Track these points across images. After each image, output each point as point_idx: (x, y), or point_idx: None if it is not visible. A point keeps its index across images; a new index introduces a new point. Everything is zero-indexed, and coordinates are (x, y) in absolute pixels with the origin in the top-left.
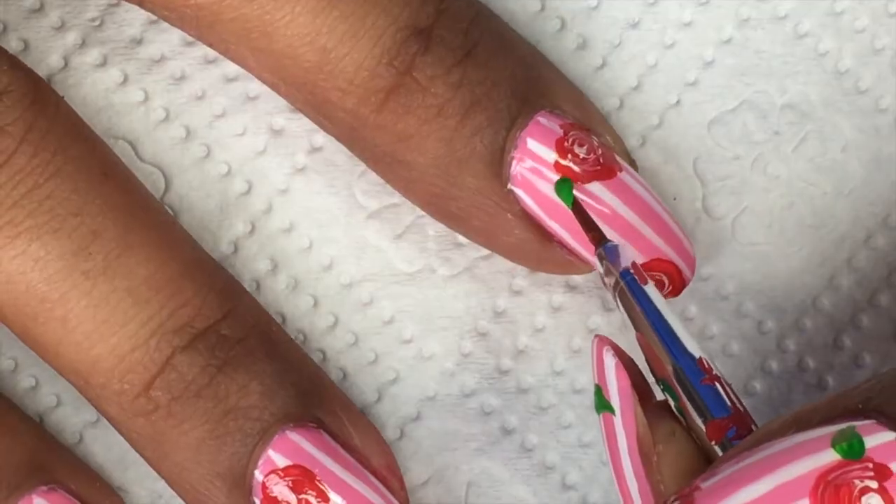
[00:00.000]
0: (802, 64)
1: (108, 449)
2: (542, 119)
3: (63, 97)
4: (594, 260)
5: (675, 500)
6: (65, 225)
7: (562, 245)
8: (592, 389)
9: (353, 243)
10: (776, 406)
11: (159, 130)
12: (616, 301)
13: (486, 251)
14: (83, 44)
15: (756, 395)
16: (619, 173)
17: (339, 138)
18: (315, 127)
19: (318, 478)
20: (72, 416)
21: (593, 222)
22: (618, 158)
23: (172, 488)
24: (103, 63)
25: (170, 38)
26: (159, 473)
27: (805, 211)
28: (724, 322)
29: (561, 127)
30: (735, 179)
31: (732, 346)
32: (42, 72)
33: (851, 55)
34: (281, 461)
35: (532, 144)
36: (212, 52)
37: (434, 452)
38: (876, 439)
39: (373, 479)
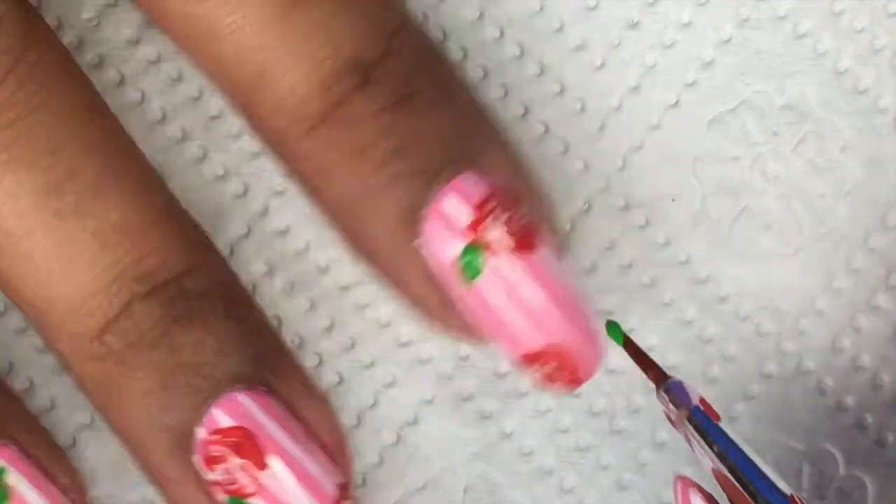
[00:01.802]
0: (802, 64)
1: (101, 452)
2: (466, 179)
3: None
4: (502, 344)
5: None
6: (41, 161)
7: (461, 315)
8: (591, 394)
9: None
10: (775, 409)
11: (156, 131)
12: (689, 439)
13: None
14: (80, 44)
15: (755, 398)
16: (537, 250)
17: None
18: None
19: (260, 442)
20: (66, 419)
21: (650, 359)
22: (541, 235)
23: (118, 437)
24: (100, 63)
25: (167, 39)
26: (106, 422)
27: (804, 212)
28: (723, 324)
29: (485, 190)
30: (734, 180)
31: (731, 348)
32: None
33: (851, 55)
34: (225, 421)
35: (449, 204)
36: None
37: (432, 456)
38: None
39: (318, 451)
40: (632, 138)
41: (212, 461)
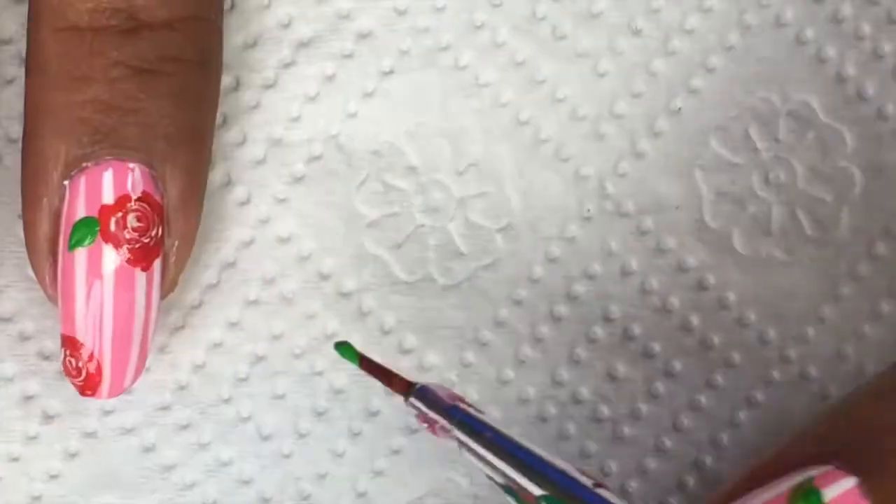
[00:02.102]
0: (804, 71)
1: (103, 460)
2: (136, 170)
3: None
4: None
5: None
6: None
7: (53, 268)
8: (594, 401)
9: (352, 253)
10: (778, 417)
11: None
12: (459, 446)
13: (487, 261)
14: None
15: (758, 406)
16: (138, 270)
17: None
18: (314, 136)
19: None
20: (70, 427)
21: (391, 371)
22: (154, 265)
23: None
24: None
25: None
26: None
27: (806, 219)
28: (726, 332)
29: (141, 191)
30: (737, 187)
31: (734, 356)
32: None
33: (853, 62)
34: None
35: (107, 176)
36: None
37: (435, 464)
38: (834, 489)
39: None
40: (634, 145)
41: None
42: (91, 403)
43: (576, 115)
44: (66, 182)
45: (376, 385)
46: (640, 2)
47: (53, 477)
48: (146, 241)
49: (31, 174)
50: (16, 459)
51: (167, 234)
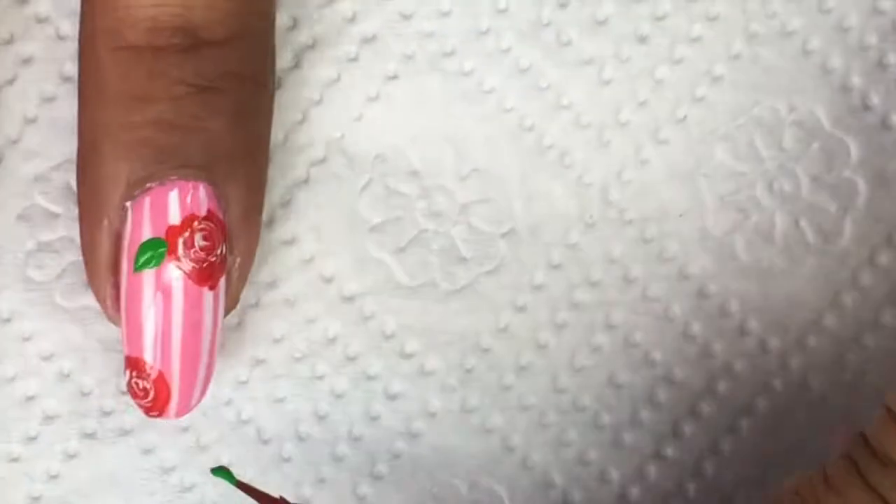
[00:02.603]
0: (810, 81)
1: (103, 462)
2: (201, 189)
3: None
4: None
5: None
6: None
7: (115, 289)
8: (595, 408)
9: (354, 256)
10: (779, 425)
11: None
12: None
13: (490, 266)
14: None
15: (759, 414)
16: (206, 290)
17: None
18: (318, 139)
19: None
20: (69, 428)
21: (264, 493)
22: (220, 284)
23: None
24: None
25: None
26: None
27: (810, 228)
28: (727, 340)
29: (207, 210)
30: (740, 196)
31: (735, 364)
32: (51, 83)
33: (859, 72)
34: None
35: (172, 197)
36: None
37: (434, 469)
38: None
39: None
40: (639, 153)
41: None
42: (90, 403)
43: (580, 122)
44: (128, 203)
45: (377, 389)
46: (646, 9)
47: (53, 477)
48: (212, 259)
49: (91, 195)
50: (15, 460)
51: (229, 252)
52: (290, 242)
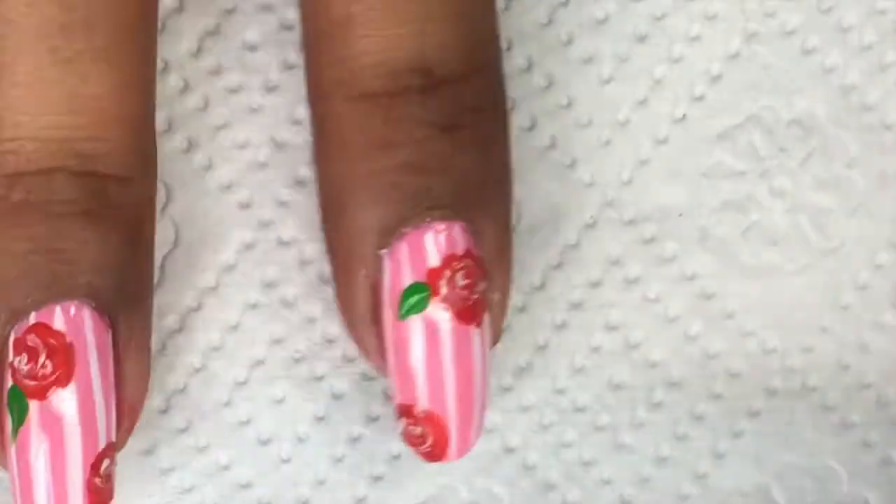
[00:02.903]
0: (809, 80)
1: None
2: (456, 228)
3: None
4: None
5: None
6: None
7: (379, 339)
8: (595, 408)
9: None
10: (780, 425)
11: (162, 141)
12: None
13: None
14: None
15: (759, 415)
16: (472, 327)
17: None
18: None
19: (74, 362)
20: None
21: None
22: (484, 318)
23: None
24: None
25: (174, 48)
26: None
27: (810, 228)
28: (728, 340)
29: (464, 249)
30: (740, 195)
31: (736, 364)
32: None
33: (858, 71)
34: (59, 323)
35: (428, 240)
36: (215, 63)
37: (434, 470)
38: None
39: (112, 402)
40: (638, 152)
41: (22, 348)
42: None
43: (580, 121)
44: (383, 252)
45: (376, 390)
46: (644, 8)
47: None
48: (475, 297)
49: (344, 250)
50: None
51: (488, 288)
52: (288, 243)
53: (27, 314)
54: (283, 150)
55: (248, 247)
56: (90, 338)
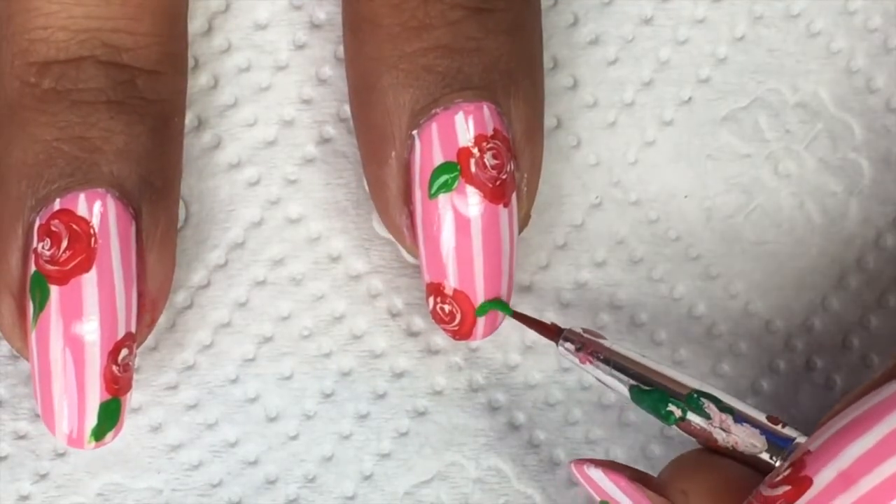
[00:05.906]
0: (815, 62)
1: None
2: (485, 108)
3: None
4: (422, 261)
5: (787, 468)
6: None
7: (410, 219)
8: (599, 386)
9: (361, 235)
10: (783, 405)
11: None
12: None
13: None
14: None
15: (763, 394)
16: (500, 206)
17: None
18: (325, 118)
19: (96, 250)
20: None
21: (538, 321)
22: (513, 195)
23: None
24: None
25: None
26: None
27: (815, 210)
28: (732, 321)
29: (493, 128)
30: (746, 177)
31: (740, 344)
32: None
33: (864, 54)
34: (83, 209)
35: (459, 120)
36: (224, 43)
37: (441, 447)
38: None
39: (133, 291)
40: (644, 134)
41: (45, 233)
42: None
43: (586, 102)
44: (414, 132)
45: (383, 367)
46: None
47: (60, 455)
48: (503, 177)
49: (374, 131)
50: (23, 437)
51: (516, 168)
52: (296, 221)
53: (52, 200)
54: (292, 129)
55: (257, 224)
56: (113, 226)
